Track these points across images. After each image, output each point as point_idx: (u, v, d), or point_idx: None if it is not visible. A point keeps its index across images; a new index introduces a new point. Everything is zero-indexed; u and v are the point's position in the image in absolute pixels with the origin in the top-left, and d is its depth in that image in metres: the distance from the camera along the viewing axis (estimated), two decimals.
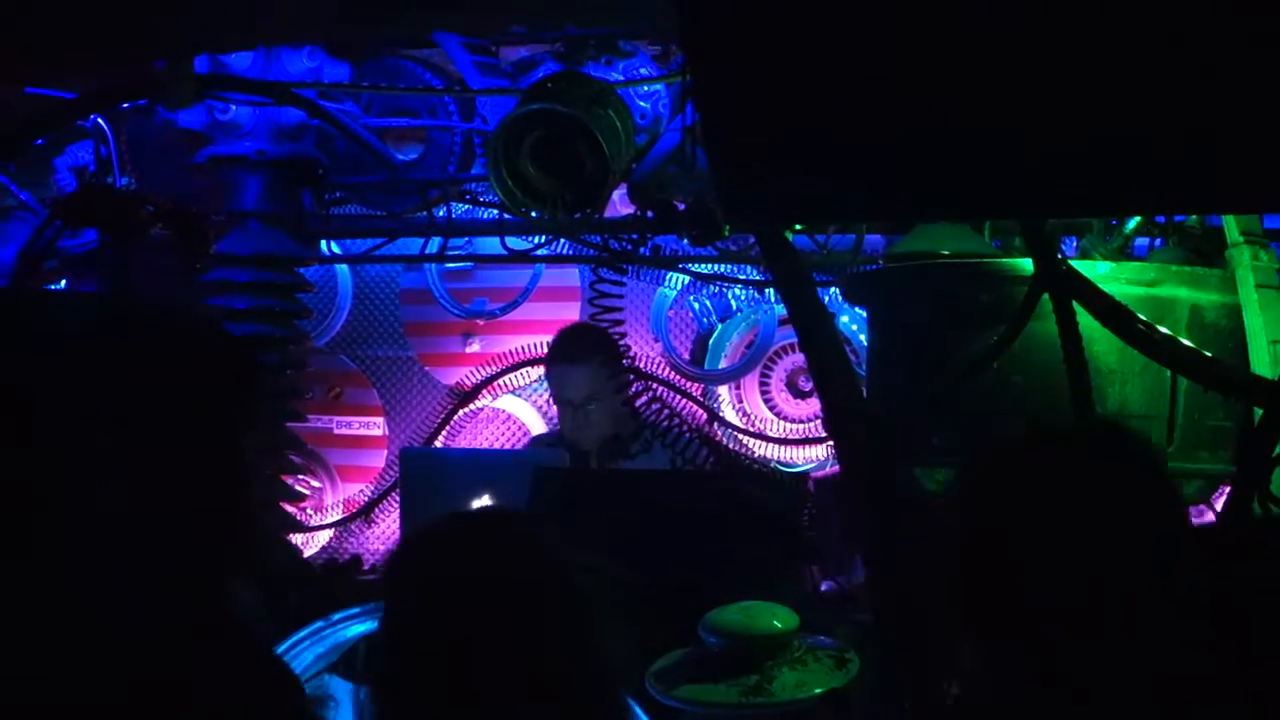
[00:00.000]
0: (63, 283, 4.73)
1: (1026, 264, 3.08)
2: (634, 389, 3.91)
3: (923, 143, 2.53)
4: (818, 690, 2.97)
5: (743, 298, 5.82)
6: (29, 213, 4.59)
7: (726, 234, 4.14)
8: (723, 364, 5.95)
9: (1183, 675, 1.87)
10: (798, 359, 5.89)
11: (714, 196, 3.80)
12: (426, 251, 5.00)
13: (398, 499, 5.26)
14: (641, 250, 4.33)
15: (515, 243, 4.94)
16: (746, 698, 2.96)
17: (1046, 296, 2.98)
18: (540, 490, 3.84)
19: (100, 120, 4.47)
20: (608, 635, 2.25)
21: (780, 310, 5.72)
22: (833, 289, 4.61)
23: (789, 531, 3.67)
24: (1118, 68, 2.40)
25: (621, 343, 4.03)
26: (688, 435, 3.88)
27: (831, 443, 5.47)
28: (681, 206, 4.08)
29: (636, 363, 5.17)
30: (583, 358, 4.83)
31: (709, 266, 5.19)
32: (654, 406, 3.86)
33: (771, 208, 2.78)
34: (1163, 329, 3.03)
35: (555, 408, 5.12)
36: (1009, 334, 3.06)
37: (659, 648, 3.13)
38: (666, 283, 5.67)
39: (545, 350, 5.54)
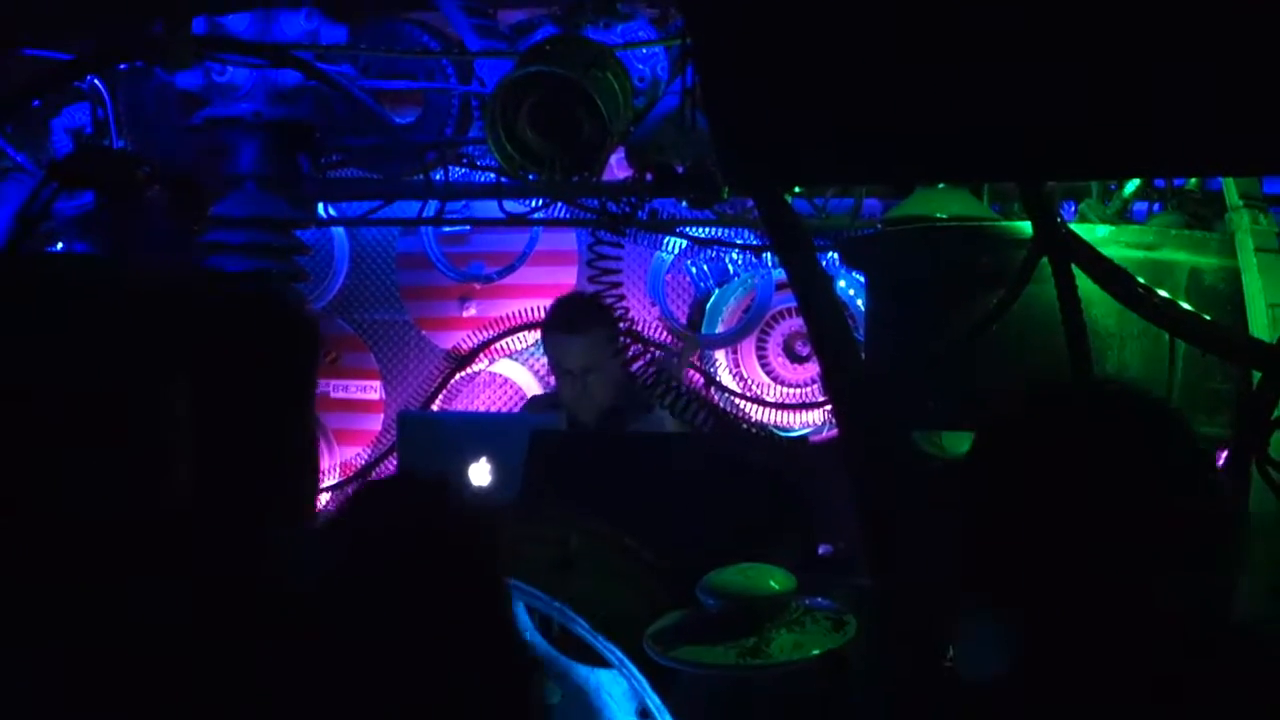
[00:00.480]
0: (59, 245, 4.72)
1: (1025, 227, 3.08)
2: (632, 351, 3.91)
3: (922, 105, 2.53)
4: (815, 652, 2.98)
5: (740, 262, 5.82)
6: (25, 174, 4.57)
7: (725, 197, 4.13)
8: (720, 328, 5.96)
9: (1193, 654, 1.86)
10: (794, 323, 5.90)
11: (713, 159, 3.79)
12: (424, 215, 4.99)
13: (395, 463, 5.27)
14: (639, 214, 4.32)
15: (512, 206, 4.93)
16: (744, 659, 2.97)
17: (1045, 260, 2.98)
18: (538, 453, 3.84)
19: (97, 82, 4.45)
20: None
21: (777, 275, 5.73)
22: (830, 253, 4.60)
23: (787, 494, 3.68)
24: (1116, 28, 2.39)
25: (619, 305, 4.03)
26: (686, 398, 3.88)
27: (829, 406, 5.49)
28: (680, 169, 4.06)
29: (635, 326, 5.16)
30: (582, 328, 4.80)
31: (706, 230, 5.18)
32: (651, 370, 3.86)
33: (771, 170, 2.78)
34: (1162, 292, 3.03)
35: (554, 377, 5.10)
36: (1007, 297, 3.06)
37: (657, 609, 3.14)
38: (664, 246, 5.67)
39: (543, 314, 5.54)
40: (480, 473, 4.24)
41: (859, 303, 5.41)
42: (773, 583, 3.06)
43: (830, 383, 3.40)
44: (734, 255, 5.74)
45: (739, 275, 5.91)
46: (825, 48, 2.48)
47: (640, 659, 2.99)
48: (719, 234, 5.28)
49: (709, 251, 5.63)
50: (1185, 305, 3.09)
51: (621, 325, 3.95)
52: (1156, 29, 2.37)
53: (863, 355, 3.64)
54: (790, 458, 3.95)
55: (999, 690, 1.94)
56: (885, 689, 3.13)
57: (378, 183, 4.83)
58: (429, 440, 4.43)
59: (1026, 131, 2.54)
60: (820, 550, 3.81)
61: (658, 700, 3.02)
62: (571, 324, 4.83)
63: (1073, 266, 2.95)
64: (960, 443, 3.35)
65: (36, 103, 4.36)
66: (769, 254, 5.35)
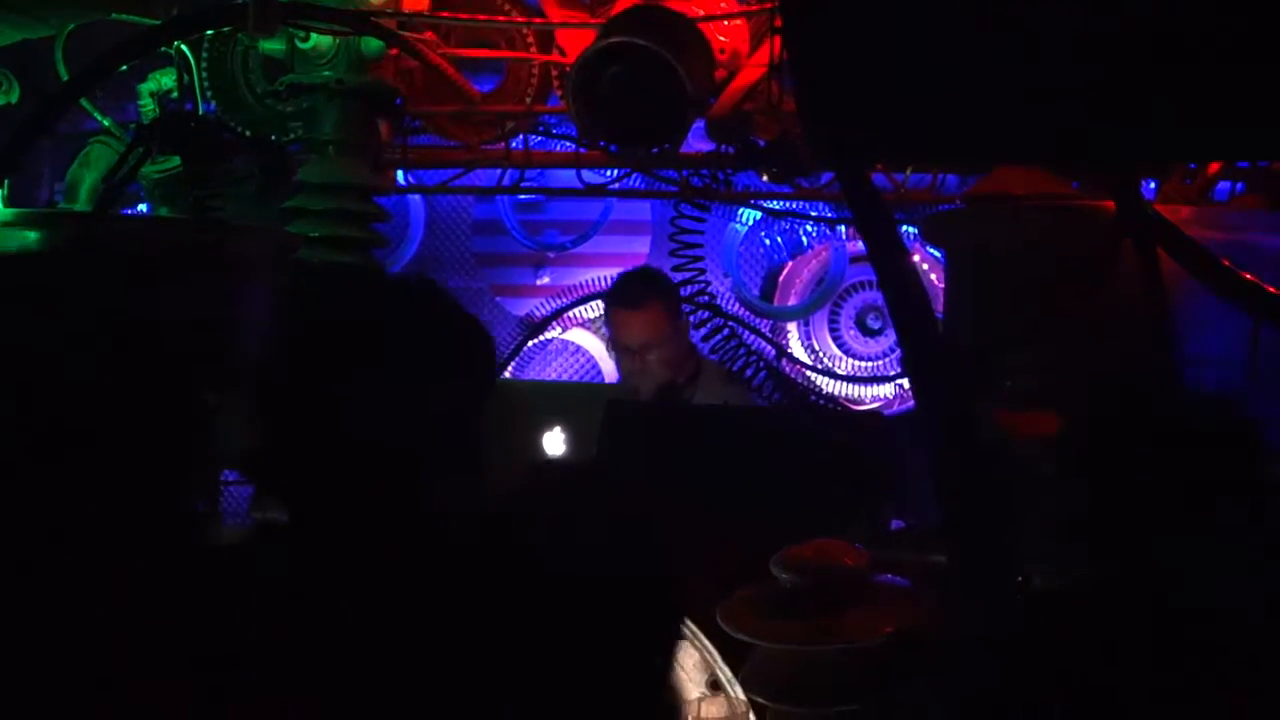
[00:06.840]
0: (143, 207, 4.77)
1: (1109, 207, 3.06)
2: (711, 325, 3.90)
3: (1013, 86, 2.52)
4: (888, 629, 2.99)
5: (814, 234, 5.81)
6: (111, 137, 4.60)
7: (808, 174, 4.11)
8: (792, 300, 5.96)
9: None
10: (867, 296, 5.89)
11: (800, 135, 3.78)
12: (502, 183, 4.99)
13: None
14: (718, 185, 4.31)
15: (589, 176, 4.92)
16: (817, 634, 2.98)
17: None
18: (614, 423, 3.86)
19: (184, 47, 4.47)
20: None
21: (850, 247, 5.72)
22: (907, 227, 4.58)
23: (863, 469, 3.67)
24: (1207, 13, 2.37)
25: (701, 279, 4.03)
26: (764, 373, 3.88)
27: (905, 381, 5.48)
28: (762, 143, 4.05)
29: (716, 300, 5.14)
30: (642, 303, 4.78)
31: (781, 202, 5.16)
32: (732, 343, 3.86)
33: (863, 149, 2.77)
34: (1247, 275, 3.01)
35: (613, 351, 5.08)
36: (1091, 278, 3.05)
37: (731, 583, 3.15)
38: (738, 218, 5.67)
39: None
40: (554, 441, 4.26)
41: (932, 277, 5.39)
42: (847, 558, 3.06)
43: (908, 358, 3.38)
44: (808, 227, 5.72)
45: (813, 247, 5.90)
46: (918, 31, 2.48)
47: (712, 632, 3.01)
48: (793, 206, 5.27)
49: (783, 223, 5.62)
50: (1270, 288, 3.06)
51: (702, 299, 3.94)
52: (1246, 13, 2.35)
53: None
54: (864, 432, 3.94)
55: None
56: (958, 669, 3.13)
57: (458, 150, 4.83)
58: (504, 407, 4.43)
59: (1114, 114, 2.52)
60: (893, 525, 3.81)
61: (729, 672, 3.04)
62: (632, 299, 4.81)
63: (1156, 248, 2.93)
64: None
65: (124, 67, 4.38)
66: (843, 226, 5.33)
